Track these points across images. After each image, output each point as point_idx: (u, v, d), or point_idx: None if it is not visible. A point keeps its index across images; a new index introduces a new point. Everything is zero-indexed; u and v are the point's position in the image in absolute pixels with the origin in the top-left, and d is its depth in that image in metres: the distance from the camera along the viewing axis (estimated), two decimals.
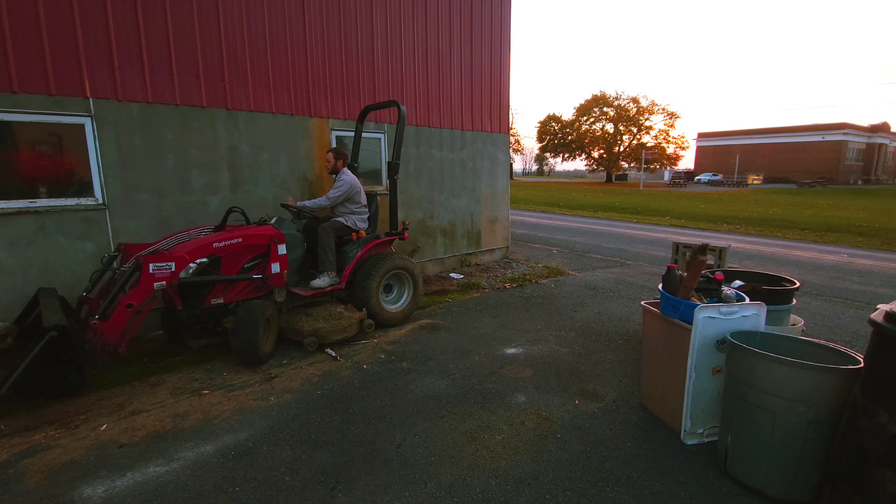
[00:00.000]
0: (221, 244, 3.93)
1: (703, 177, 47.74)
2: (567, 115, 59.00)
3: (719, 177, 46.63)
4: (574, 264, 8.36)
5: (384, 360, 4.08)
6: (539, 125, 52.90)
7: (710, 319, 2.66)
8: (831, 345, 2.51)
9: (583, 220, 15.77)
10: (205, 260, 3.83)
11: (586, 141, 49.96)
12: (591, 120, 49.52)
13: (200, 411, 3.20)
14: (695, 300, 2.87)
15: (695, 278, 2.90)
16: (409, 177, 7.00)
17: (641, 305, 3.30)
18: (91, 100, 4.27)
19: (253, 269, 4.23)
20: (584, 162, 54.63)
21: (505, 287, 6.62)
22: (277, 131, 5.50)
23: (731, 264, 6.60)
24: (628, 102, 47.72)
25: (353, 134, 5.75)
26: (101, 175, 4.39)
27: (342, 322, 4.33)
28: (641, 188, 38.08)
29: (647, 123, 47.72)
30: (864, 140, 48.90)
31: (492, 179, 8.26)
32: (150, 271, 3.43)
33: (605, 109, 48.55)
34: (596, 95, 48.89)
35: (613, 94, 48.20)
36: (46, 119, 4.12)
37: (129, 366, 3.92)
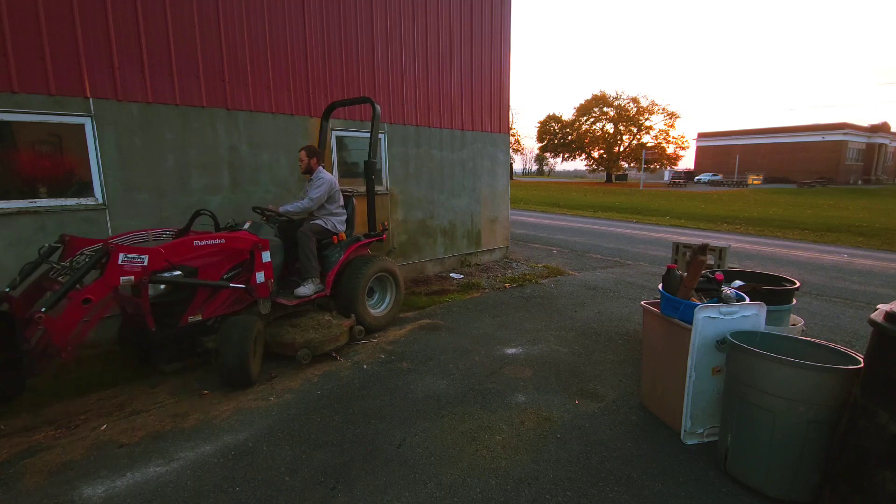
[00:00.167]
0: (203, 243, 3.47)
1: (703, 177, 47.76)
2: (567, 115, 59.09)
3: (719, 177, 46.65)
4: (574, 264, 8.36)
5: (384, 360, 4.08)
6: (539, 125, 52.96)
7: (710, 319, 2.66)
8: (831, 345, 2.51)
9: (583, 220, 15.77)
10: (179, 272, 3.41)
11: (586, 141, 49.98)
12: (591, 120, 49.56)
13: (200, 411, 3.20)
14: (695, 300, 2.87)
15: (695, 278, 2.90)
16: (409, 177, 7.00)
17: (641, 305, 3.30)
18: (91, 100, 4.27)
19: (232, 281, 3.81)
20: (584, 162, 54.69)
21: (505, 287, 6.62)
22: (277, 131, 5.50)
23: (731, 264, 6.60)
24: (628, 102, 47.78)
25: (354, 134, 5.75)
26: (101, 175, 4.39)
27: (333, 331, 4.12)
28: (641, 188, 38.08)
29: (647, 123, 47.82)
30: (864, 140, 48.91)
31: (492, 179, 8.26)
32: (120, 262, 2.93)
33: (605, 109, 48.59)
34: (596, 95, 48.93)
35: (613, 94, 48.31)
36: (46, 119, 4.12)
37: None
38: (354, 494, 2.39)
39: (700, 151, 56.16)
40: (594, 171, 57.30)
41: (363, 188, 5.15)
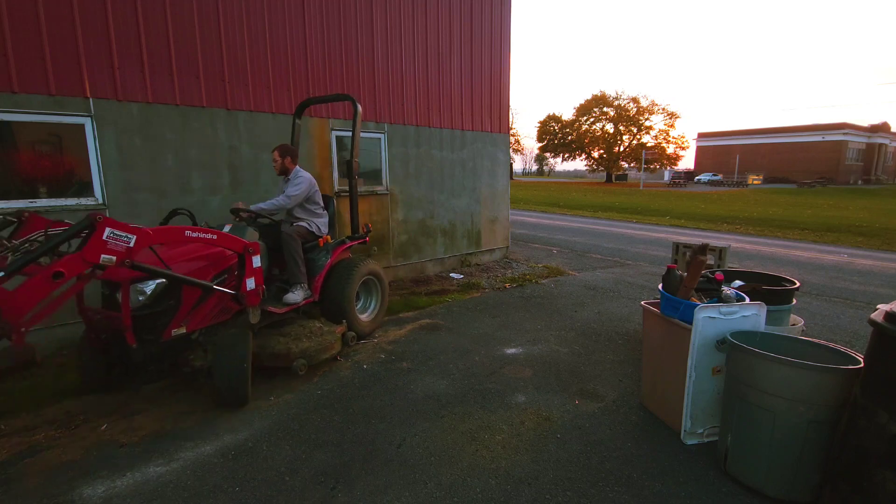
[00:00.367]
0: (195, 234, 3.03)
1: (703, 177, 47.76)
2: (567, 115, 59.08)
3: (719, 177, 46.65)
4: (574, 264, 8.36)
5: (384, 360, 4.08)
6: (539, 125, 52.97)
7: (710, 319, 2.66)
8: (831, 345, 2.51)
9: (583, 220, 15.77)
10: (163, 281, 3.05)
11: (586, 141, 49.99)
12: (591, 120, 49.56)
13: (200, 411, 3.20)
14: (695, 300, 2.87)
15: (695, 278, 2.90)
16: (409, 177, 7.00)
17: (641, 305, 3.30)
18: (91, 100, 4.28)
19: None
20: (584, 162, 54.69)
21: (505, 287, 6.62)
22: (278, 131, 5.50)
23: (731, 264, 6.60)
24: (628, 102, 47.80)
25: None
26: (101, 175, 4.39)
27: (326, 338, 3.91)
28: (641, 188, 38.08)
29: (647, 123, 47.84)
30: (864, 140, 48.91)
31: (492, 179, 8.26)
32: (105, 236, 2.54)
33: (605, 109, 48.61)
34: (596, 95, 48.95)
35: (613, 94, 48.34)
36: (46, 119, 4.12)
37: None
38: (354, 494, 2.39)
39: (700, 151, 56.17)
40: (594, 171, 57.32)
41: (363, 188, 5.15)
